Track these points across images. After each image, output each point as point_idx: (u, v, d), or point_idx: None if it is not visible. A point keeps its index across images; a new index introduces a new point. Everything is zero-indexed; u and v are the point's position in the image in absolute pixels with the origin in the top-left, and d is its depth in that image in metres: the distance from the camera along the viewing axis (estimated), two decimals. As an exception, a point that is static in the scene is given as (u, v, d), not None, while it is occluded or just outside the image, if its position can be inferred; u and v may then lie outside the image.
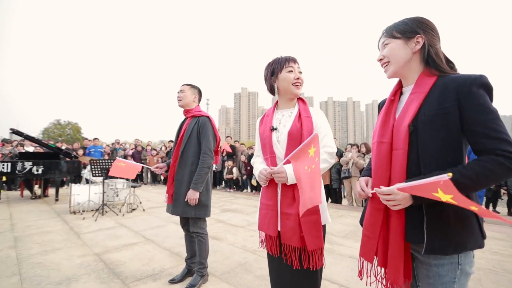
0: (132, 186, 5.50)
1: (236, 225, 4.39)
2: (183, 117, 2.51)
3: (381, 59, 1.09)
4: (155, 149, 10.01)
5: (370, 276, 1.04)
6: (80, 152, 8.46)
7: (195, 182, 2.15)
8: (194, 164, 2.23)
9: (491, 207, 6.26)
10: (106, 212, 5.06)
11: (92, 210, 5.11)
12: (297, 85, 1.44)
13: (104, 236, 3.67)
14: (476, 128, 0.84)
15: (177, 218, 4.77)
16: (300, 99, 1.53)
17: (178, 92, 2.39)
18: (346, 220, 4.77)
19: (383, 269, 1.01)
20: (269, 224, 1.35)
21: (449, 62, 1.00)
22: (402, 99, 1.07)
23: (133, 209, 5.38)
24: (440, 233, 0.87)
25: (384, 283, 0.99)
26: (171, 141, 10.27)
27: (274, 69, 1.46)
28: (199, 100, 2.51)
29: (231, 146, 9.13)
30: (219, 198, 7.20)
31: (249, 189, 8.85)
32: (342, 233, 3.92)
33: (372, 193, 1.02)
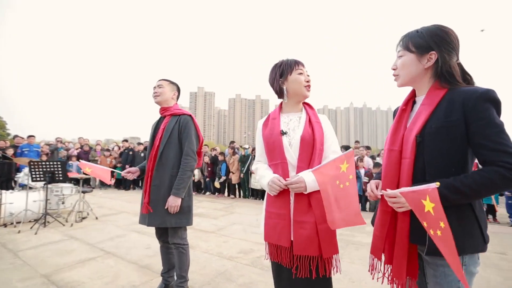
0: (82, 192, 4.82)
1: (206, 230, 4.18)
2: (158, 116, 2.27)
3: (394, 69, 1.13)
4: (108, 149, 8.98)
5: (379, 272, 1.11)
6: (10, 151, 7.14)
7: (176, 187, 1.94)
8: (175, 167, 2.02)
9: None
10: (49, 222, 4.32)
11: (30, 221, 4.32)
12: (308, 88, 1.41)
13: (51, 252, 3.11)
14: (480, 140, 0.88)
15: (139, 226, 4.34)
16: (306, 104, 1.50)
17: (155, 88, 2.15)
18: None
19: (389, 266, 1.07)
20: (281, 234, 1.27)
21: (465, 75, 1.03)
22: (414, 108, 1.12)
23: (83, 218, 4.72)
24: None
25: (390, 279, 1.06)
26: (126, 140, 9.38)
27: (284, 71, 1.40)
28: (178, 97, 2.30)
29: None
30: (182, 202, 6.81)
31: (211, 192, 8.58)
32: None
33: (381, 196, 1.07)
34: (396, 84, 1.14)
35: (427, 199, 0.76)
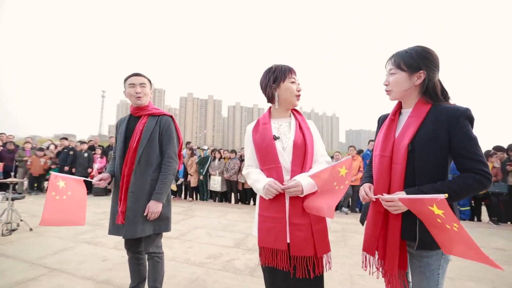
0: (12, 199, 4.04)
1: (168, 236, 3.91)
2: (128, 115, 2.05)
3: (386, 85, 1.27)
4: (41, 148, 7.65)
5: (372, 267, 1.24)
6: None
7: (158, 192, 1.79)
8: (156, 171, 1.86)
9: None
10: (-36, 238, 3.51)
11: None
12: (298, 97, 1.47)
13: (-26, 274, 2.53)
14: (460, 151, 1.08)
15: (89, 236, 3.84)
16: (294, 110, 1.55)
17: (136, 86, 1.87)
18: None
19: (383, 261, 1.20)
20: (277, 237, 1.30)
21: (443, 92, 1.22)
22: (401, 119, 1.28)
23: (13, 230, 3.97)
24: (429, 233, 1.07)
25: (383, 272, 1.20)
26: (65, 138, 8.20)
27: (277, 77, 1.42)
28: (150, 94, 2.12)
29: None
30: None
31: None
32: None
33: (375, 198, 1.18)
34: (389, 98, 1.29)
35: (434, 206, 0.89)
